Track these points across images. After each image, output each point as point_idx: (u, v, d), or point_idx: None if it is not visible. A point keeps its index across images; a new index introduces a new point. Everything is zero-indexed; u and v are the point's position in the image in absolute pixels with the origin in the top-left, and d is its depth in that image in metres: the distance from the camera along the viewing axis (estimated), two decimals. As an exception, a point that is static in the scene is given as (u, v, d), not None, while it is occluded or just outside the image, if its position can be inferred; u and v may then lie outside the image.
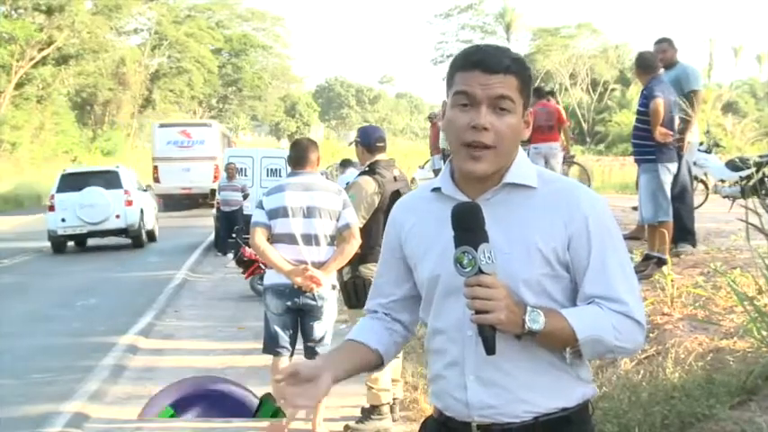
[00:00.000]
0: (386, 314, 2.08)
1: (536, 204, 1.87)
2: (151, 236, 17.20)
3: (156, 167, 22.84)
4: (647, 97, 6.82)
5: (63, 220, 15.17)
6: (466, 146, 1.83)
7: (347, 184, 6.83)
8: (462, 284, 1.76)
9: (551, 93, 14.02)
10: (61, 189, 15.48)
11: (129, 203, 15.70)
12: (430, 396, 2.02)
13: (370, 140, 5.39)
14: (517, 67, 1.84)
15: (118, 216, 15.54)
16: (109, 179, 15.89)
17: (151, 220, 17.10)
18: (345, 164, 11.92)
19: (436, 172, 14.27)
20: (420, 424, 2.11)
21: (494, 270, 1.74)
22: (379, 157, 5.38)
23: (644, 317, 1.88)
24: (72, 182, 15.66)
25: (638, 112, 6.99)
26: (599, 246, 1.85)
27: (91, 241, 16.49)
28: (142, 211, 16.24)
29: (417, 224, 1.98)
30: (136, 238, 16.07)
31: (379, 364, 2.05)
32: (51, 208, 15.29)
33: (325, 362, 1.93)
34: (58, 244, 15.54)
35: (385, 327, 2.06)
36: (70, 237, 15.70)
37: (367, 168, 5.36)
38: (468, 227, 1.76)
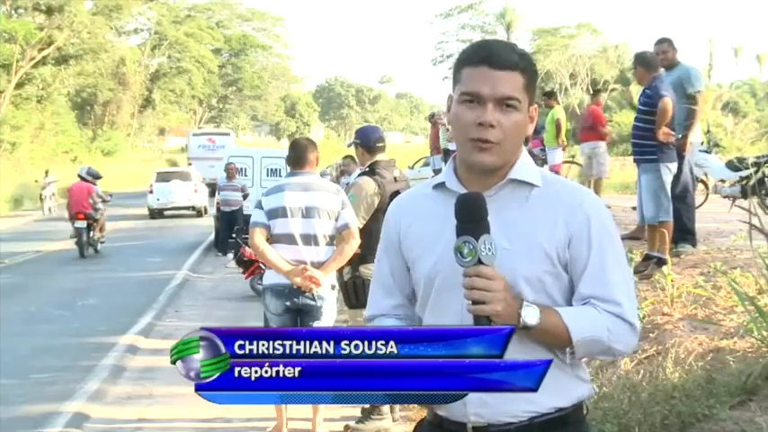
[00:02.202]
0: (400, 316, 2.05)
1: (539, 202, 1.88)
2: (206, 210, 23.44)
3: (190, 164, 30.33)
4: (650, 96, 6.74)
5: (158, 199, 23.63)
6: (472, 140, 1.84)
7: (346, 185, 6.82)
8: (460, 283, 1.76)
9: (552, 93, 14.07)
10: (157, 180, 24.08)
11: (196, 191, 23.86)
12: None
13: (369, 141, 5.39)
14: (524, 63, 1.86)
15: (189, 199, 23.80)
16: (185, 175, 24.52)
17: (206, 202, 23.94)
18: (350, 163, 11.74)
19: (436, 172, 14.28)
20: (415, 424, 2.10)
21: (493, 262, 1.75)
22: (379, 157, 5.38)
23: (637, 320, 1.90)
24: (163, 177, 24.46)
25: (640, 111, 6.90)
26: (599, 247, 1.86)
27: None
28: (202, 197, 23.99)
29: (416, 221, 1.98)
30: (198, 213, 23.77)
31: None
32: (151, 192, 23.83)
33: None
34: (153, 214, 23.68)
35: (406, 323, 2.04)
36: (160, 210, 23.73)
37: (367, 169, 5.36)
38: (471, 217, 1.76)
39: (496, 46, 1.89)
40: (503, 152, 1.85)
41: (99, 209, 14.63)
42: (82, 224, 14.28)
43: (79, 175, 15.09)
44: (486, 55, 1.85)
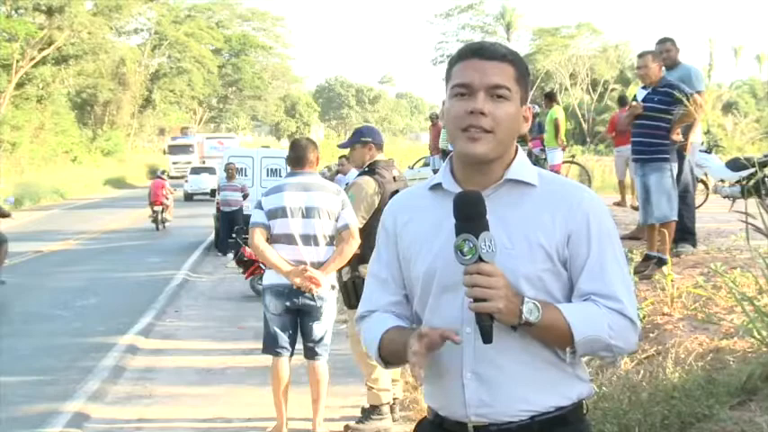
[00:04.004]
0: (396, 313, 2.05)
1: (537, 201, 1.88)
2: None
3: (203, 162, 37.32)
4: (669, 94, 6.63)
5: (191, 186, 30.59)
6: (464, 130, 1.85)
7: (346, 184, 6.80)
8: (459, 281, 1.77)
9: (552, 94, 14.09)
10: (191, 173, 31.63)
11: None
12: (425, 396, 2.01)
13: (381, 140, 5.47)
14: (513, 57, 1.89)
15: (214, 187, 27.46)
16: (211, 170, 30.60)
17: None
18: (344, 163, 11.78)
19: (436, 172, 14.29)
20: (415, 424, 2.10)
21: (493, 259, 1.75)
22: (378, 157, 5.38)
23: (637, 317, 1.90)
24: (195, 171, 31.92)
25: (653, 110, 6.65)
26: (598, 244, 1.87)
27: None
28: None
29: (413, 220, 1.98)
30: None
31: None
32: (186, 181, 31.08)
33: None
34: (187, 197, 30.12)
35: (404, 322, 2.04)
36: (192, 194, 30.32)
37: (366, 169, 5.35)
38: (470, 215, 1.77)
39: (486, 42, 1.94)
40: (496, 142, 1.85)
41: (169, 197, 20.86)
42: (158, 208, 20.25)
43: (157, 175, 21.76)
44: (476, 48, 1.89)
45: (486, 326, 1.75)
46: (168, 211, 20.84)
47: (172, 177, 38.83)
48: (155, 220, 20.39)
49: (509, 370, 1.84)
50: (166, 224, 20.68)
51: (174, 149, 44.38)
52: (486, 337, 1.76)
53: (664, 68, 7.24)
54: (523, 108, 1.90)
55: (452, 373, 1.88)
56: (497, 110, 1.84)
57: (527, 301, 1.78)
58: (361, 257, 5.08)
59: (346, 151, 6.98)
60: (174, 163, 42.66)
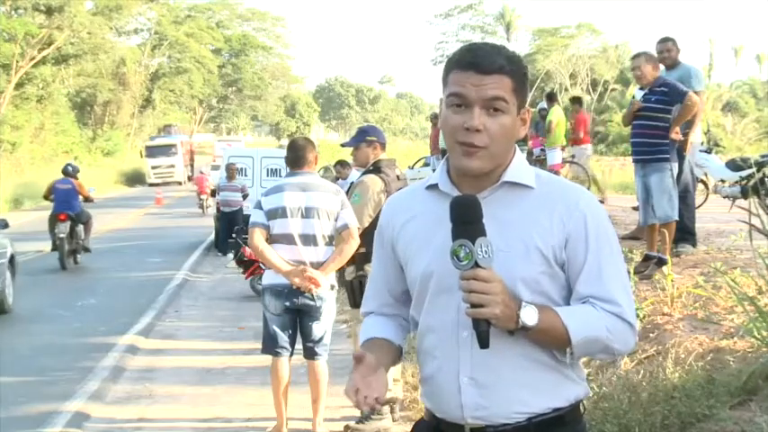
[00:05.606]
0: (393, 314, 2.09)
1: (534, 203, 1.87)
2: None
3: (214, 160, 36.04)
4: (667, 94, 6.62)
5: (211, 181, 29.20)
6: (460, 144, 1.83)
7: (351, 184, 6.78)
8: (456, 283, 1.76)
9: (552, 95, 14.14)
10: (212, 170, 29.63)
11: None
12: (421, 397, 2.01)
13: (384, 139, 5.50)
14: (512, 66, 1.83)
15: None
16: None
17: None
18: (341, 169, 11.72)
19: (436, 172, 14.34)
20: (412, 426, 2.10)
21: (490, 264, 1.74)
22: (381, 156, 5.39)
23: (636, 319, 1.89)
24: (215, 167, 29.87)
25: (652, 110, 6.63)
26: (596, 246, 1.85)
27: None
28: None
29: (411, 221, 1.98)
30: None
31: (398, 359, 2.09)
32: (209, 177, 30.99)
33: (377, 357, 1.92)
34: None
35: (397, 323, 2.08)
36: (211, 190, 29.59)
37: (371, 167, 5.35)
38: (466, 220, 1.76)
39: (483, 50, 1.86)
40: (490, 156, 1.84)
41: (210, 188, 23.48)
42: (204, 197, 24.71)
43: (200, 171, 27.16)
44: (472, 58, 1.83)
45: (482, 331, 1.75)
46: (209, 199, 24.61)
47: (152, 185, 35.60)
48: (201, 206, 25.40)
49: (506, 373, 1.83)
50: (208, 210, 24.20)
51: (152, 151, 38.64)
52: (483, 343, 1.76)
53: (663, 68, 7.25)
54: (522, 112, 1.88)
55: (449, 375, 1.87)
56: (493, 124, 1.81)
57: (525, 305, 1.77)
58: (367, 256, 5.07)
59: (344, 155, 6.99)
60: (154, 167, 38.05)
